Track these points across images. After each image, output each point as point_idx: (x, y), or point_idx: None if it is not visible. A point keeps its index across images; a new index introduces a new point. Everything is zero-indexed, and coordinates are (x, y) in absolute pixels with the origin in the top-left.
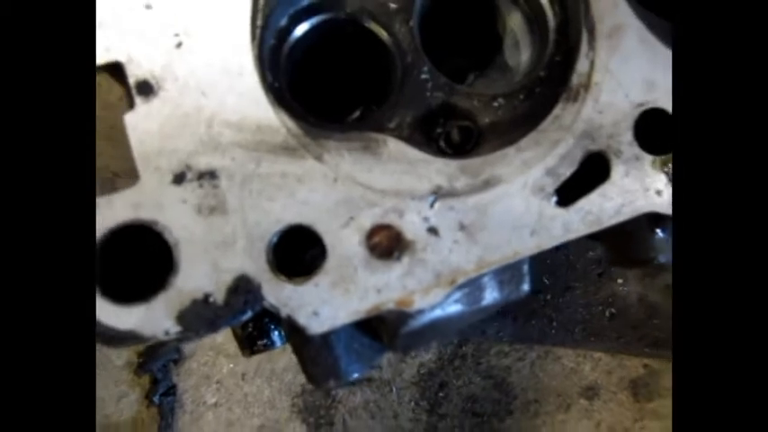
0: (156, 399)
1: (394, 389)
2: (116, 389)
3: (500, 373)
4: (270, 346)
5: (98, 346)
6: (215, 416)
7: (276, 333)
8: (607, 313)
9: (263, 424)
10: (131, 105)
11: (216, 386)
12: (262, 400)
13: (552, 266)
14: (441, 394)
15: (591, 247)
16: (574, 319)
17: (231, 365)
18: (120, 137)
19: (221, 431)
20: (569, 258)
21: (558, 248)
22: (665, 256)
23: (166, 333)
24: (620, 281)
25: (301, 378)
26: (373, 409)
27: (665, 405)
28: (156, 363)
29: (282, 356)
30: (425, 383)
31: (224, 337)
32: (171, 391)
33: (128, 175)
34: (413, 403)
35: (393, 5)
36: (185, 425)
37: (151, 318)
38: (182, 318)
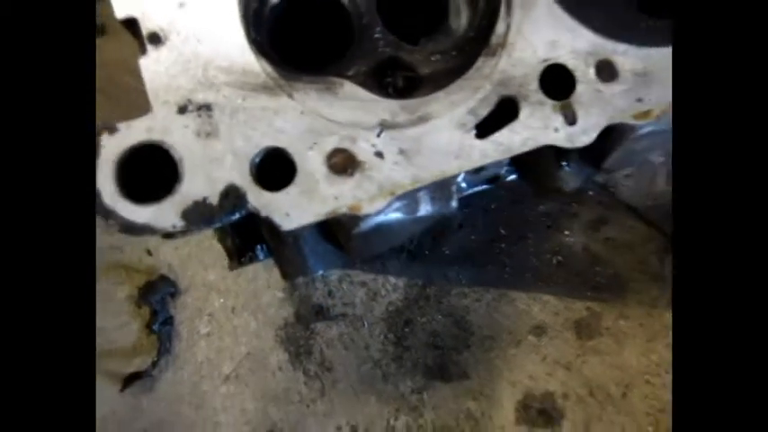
0: (155, 327)
1: (365, 324)
2: (118, 319)
3: (459, 312)
4: (254, 258)
5: (102, 281)
6: (207, 344)
7: (259, 248)
8: (554, 261)
9: (250, 352)
10: (144, 52)
11: (208, 318)
12: (248, 332)
13: (507, 219)
14: (406, 329)
15: (542, 202)
16: (525, 265)
17: (222, 300)
18: (114, 92)
19: (213, 357)
20: (523, 212)
21: (513, 202)
22: (570, 186)
23: (173, 226)
24: (566, 233)
25: (283, 312)
26: (347, 341)
27: (604, 342)
28: (155, 296)
29: (267, 293)
30: (393, 320)
31: (215, 276)
32: (168, 321)
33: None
34: (382, 336)
35: None
36: (181, 351)
37: (161, 214)
38: (185, 215)
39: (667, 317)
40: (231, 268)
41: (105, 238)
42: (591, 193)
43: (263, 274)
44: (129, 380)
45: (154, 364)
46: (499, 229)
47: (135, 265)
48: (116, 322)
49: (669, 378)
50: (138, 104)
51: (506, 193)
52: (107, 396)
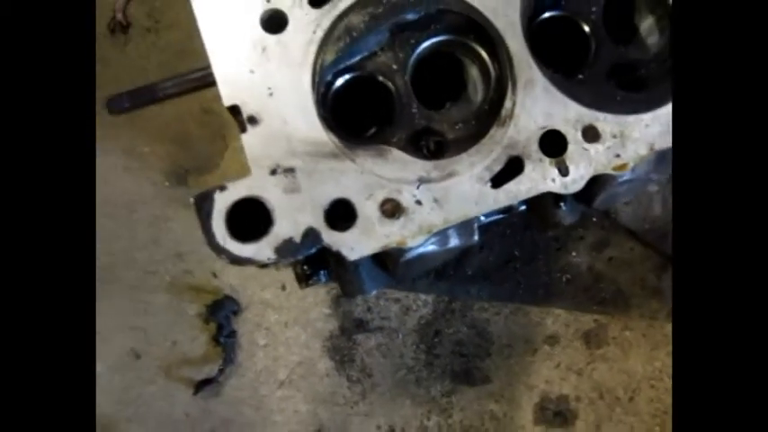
0: (221, 340)
1: (400, 335)
2: (190, 333)
3: (481, 324)
4: (318, 281)
5: (176, 300)
6: (264, 354)
7: (322, 273)
8: (563, 279)
9: (301, 361)
10: (244, 130)
11: (265, 331)
12: (299, 343)
13: (521, 242)
14: (435, 339)
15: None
16: (538, 282)
17: (276, 316)
18: (188, 144)
19: (269, 365)
20: (534, 237)
21: (525, 228)
22: (567, 221)
23: (269, 259)
24: (573, 253)
25: (329, 326)
26: (384, 350)
27: (611, 351)
28: (221, 313)
29: (314, 309)
30: (423, 331)
31: (271, 295)
32: (232, 334)
33: (195, 171)
34: (414, 346)
35: (395, 66)
36: (243, 360)
37: (260, 251)
38: (277, 250)
39: (668, 327)
40: (300, 288)
41: (178, 264)
42: (594, 219)
43: (311, 294)
44: (200, 385)
45: (220, 372)
46: (514, 251)
47: (203, 287)
48: (188, 336)
49: (671, 383)
50: (205, 154)
51: (519, 221)
52: (182, 400)
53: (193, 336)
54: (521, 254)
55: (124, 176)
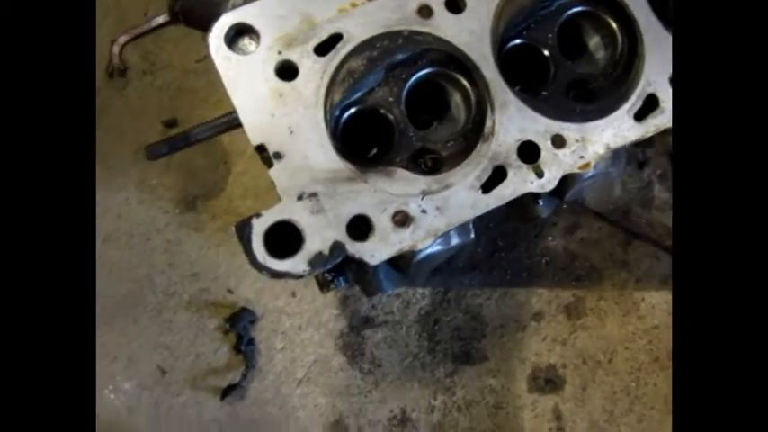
0: (242, 348)
1: (403, 327)
2: (213, 345)
3: (475, 309)
4: (338, 286)
5: (196, 317)
6: (283, 356)
7: (341, 278)
8: (543, 261)
9: (316, 359)
10: (270, 165)
11: (281, 336)
12: (314, 343)
13: (503, 233)
14: (436, 327)
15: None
16: (521, 267)
17: (290, 321)
18: (194, 172)
19: (288, 366)
20: (514, 227)
21: (506, 221)
22: (545, 214)
23: (304, 271)
24: (550, 238)
25: (339, 325)
26: (390, 341)
27: (589, 320)
28: (239, 324)
29: (324, 312)
30: (424, 321)
31: (284, 302)
32: (251, 342)
33: (203, 197)
34: (417, 335)
35: (391, 99)
36: (263, 364)
37: (296, 265)
38: (310, 263)
39: (636, 294)
40: (323, 293)
41: (195, 283)
42: (565, 206)
43: (319, 298)
44: (226, 391)
45: (243, 377)
46: (497, 241)
47: (221, 302)
48: (211, 347)
49: (643, 343)
50: (210, 180)
51: (499, 214)
52: (210, 406)
53: (215, 347)
54: (504, 243)
55: (138, 209)
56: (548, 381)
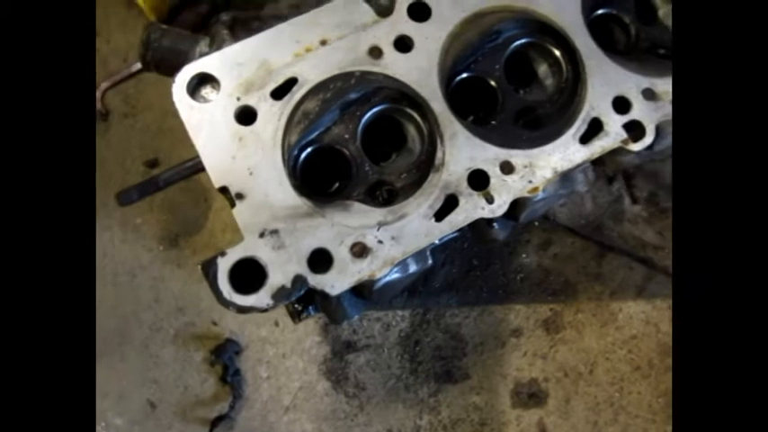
0: (228, 379)
1: (385, 349)
2: (199, 376)
3: (454, 329)
4: (308, 315)
5: (183, 350)
6: (269, 385)
7: (311, 307)
8: (518, 278)
9: (301, 386)
10: (233, 205)
11: (266, 365)
12: (298, 370)
13: (477, 253)
14: (417, 348)
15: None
16: (497, 285)
17: (274, 350)
18: (176, 210)
19: (274, 394)
20: (489, 247)
21: (480, 242)
22: (501, 237)
23: (267, 305)
24: (523, 255)
25: (322, 351)
26: (373, 364)
27: (568, 334)
28: (225, 355)
29: (307, 339)
30: (405, 342)
31: (267, 332)
32: (237, 372)
33: (185, 233)
34: (399, 357)
35: (347, 135)
36: (250, 393)
37: (260, 299)
38: (274, 297)
39: (612, 305)
40: (294, 323)
41: (180, 317)
42: (536, 224)
43: (301, 326)
44: (215, 423)
45: (231, 407)
46: (472, 261)
47: (205, 334)
48: (198, 379)
49: (623, 353)
50: (191, 217)
51: (473, 234)
52: None
53: (202, 379)
54: (479, 263)
55: (122, 247)
56: (531, 395)
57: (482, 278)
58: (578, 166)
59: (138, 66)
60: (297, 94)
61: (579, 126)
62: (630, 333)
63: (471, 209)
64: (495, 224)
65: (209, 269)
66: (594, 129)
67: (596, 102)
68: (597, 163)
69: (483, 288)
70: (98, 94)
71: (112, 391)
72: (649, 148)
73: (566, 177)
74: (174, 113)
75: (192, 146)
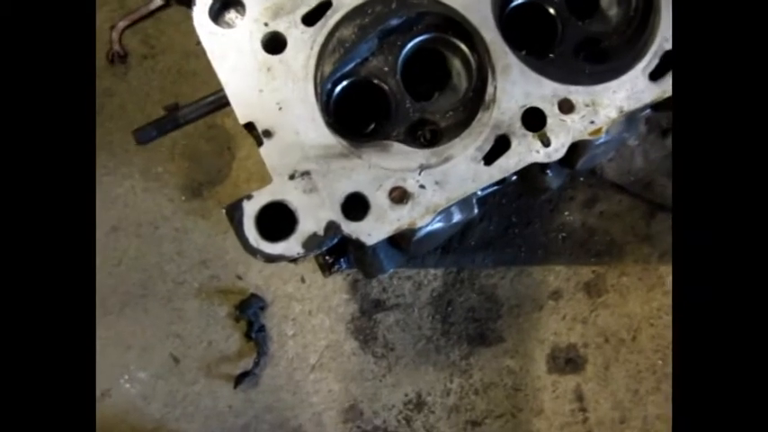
0: (253, 335)
1: (415, 309)
2: (224, 332)
3: (489, 289)
4: (340, 268)
5: (207, 304)
6: (294, 342)
7: (342, 260)
8: (560, 237)
9: (328, 344)
10: (260, 143)
11: (292, 322)
12: (325, 328)
13: (517, 209)
14: (449, 309)
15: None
16: (536, 244)
17: (301, 306)
18: (199, 159)
19: (300, 352)
20: (528, 203)
21: (519, 196)
22: (554, 185)
23: (298, 254)
24: (566, 213)
25: (350, 309)
26: (402, 324)
27: (611, 297)
28: (249, 310)
29: (334, 296)
30: (437, 302)
31: (293, 288)
32: (262, 329)
33: (208, 183)
34: (430, 317)
35: (386, 68)
36: (275, 351)
37: (290, 247)
38: (304, 245)
39: (661, 269)
40: (325, 276)
41: (204, 271)
42: (582, 179)
43: (329, 283)
44: (239, 379)
45: (256, 364)
46: (511, 218)
47: (230, 289)
48: (222, 335)
49: (669, 319)
50: (214, 166)
51: (512, 190)
52: (224, 394)
53: (227, 335)
54: (518, 220)
55: (144, 197)
56: (568, 361)
57: (521, 237)
58: (647, 106)
59: (157, 2)
60: (331, 19)
61: (650, 60)
62: None
63: (525, 152)
64: (548, 171)
65: (234, 213)
66: (667, 64)
67: (671, 33)
68: (659, 108)
69: (522, 247)
70: (115, 34)
71: (136, 344)
72: None
73: (631, 119)
74: (197, 54)
75: (216, 86)
